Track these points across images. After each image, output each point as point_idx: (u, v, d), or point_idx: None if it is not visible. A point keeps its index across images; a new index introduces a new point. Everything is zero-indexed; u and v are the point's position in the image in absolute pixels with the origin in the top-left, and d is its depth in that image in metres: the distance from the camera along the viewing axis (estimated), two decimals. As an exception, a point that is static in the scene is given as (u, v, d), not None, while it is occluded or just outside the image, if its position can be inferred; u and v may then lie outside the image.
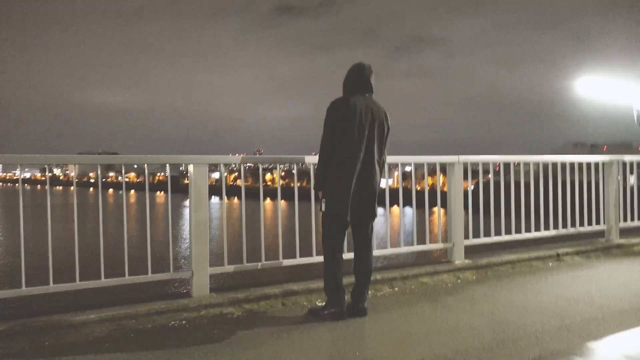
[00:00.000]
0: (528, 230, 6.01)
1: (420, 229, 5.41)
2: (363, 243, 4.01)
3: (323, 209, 3.87)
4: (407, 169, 5.56)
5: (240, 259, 4.44)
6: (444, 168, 5.42)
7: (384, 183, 4.73)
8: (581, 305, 4.14)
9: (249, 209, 4.74)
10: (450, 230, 5.43)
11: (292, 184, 4.74)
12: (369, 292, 4.34)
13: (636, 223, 6.93)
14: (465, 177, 5.55)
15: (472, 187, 5.71)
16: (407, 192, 5.38)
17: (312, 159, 4.47)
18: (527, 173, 6.15)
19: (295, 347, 3.32)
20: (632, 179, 6.94)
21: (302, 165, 4.79)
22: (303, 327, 3.68)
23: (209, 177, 4.47)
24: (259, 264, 4.46)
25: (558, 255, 5.94)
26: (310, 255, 4.65)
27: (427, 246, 5.43)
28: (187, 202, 4.30)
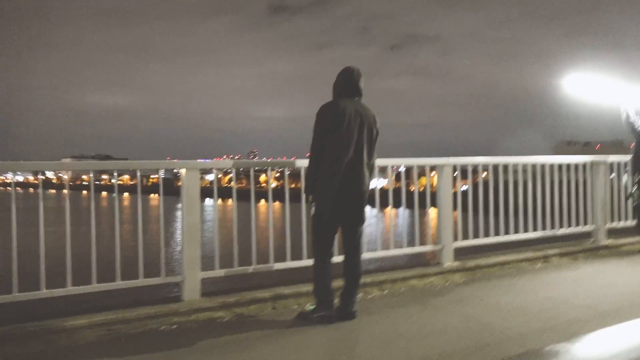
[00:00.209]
0: (517, 231, 6.08)
1: (411, 230, 5.48)
2: (352, 247, 4.06)
3: (313, 212, 3.92)
4: (401, 169, 5.61)
5: (231, 263, 4.48)
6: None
7: (377, 184, 4.80)
8: (566, 307, 4.21)
9: (243, 211, 4.77)
10: (439, 232, 5.49)
11: (285, 181, 4.79)
12: (359, 295, 4.39)
13: (623, 223, 7.02)
14: (455, 180, 5.62)
15: (465, 187, 5.78)
16: (400, 192, 5.44)
17: (302, 163, 4.52)
18: (515, 173, 6.22)
19: (284, 351, 3.36)
20: (624, 178, 7.01)
21: (291, 170, 4.84)
22: (293, 330, 3.72)
23: (203, 179, 4.51)
24: (250, 267, 4.51)
25: (546, 256, 6.01)
26: (301, 258, 4.70)
27: (417, 248, 5.50)
28: (180, 205, 4.34)
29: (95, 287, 3.94)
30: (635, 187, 6.51)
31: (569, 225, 6.53)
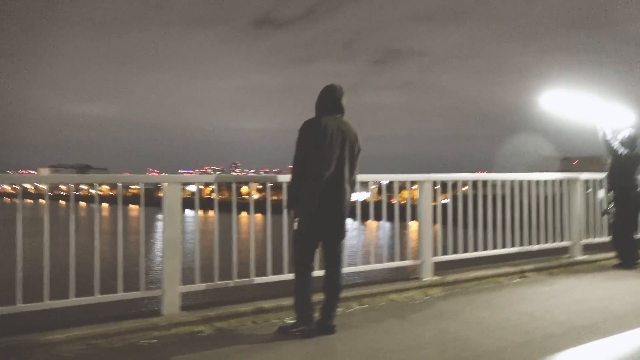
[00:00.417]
0: (495, 246, 6.18)
1: (392, 244, 5.53)
2: (333, 261, 4.10)
3: (295, 227, 3.96)
4: (383, 181, 5.68)
5: (212, 276, 4.48)
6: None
7: (358, 196, 4.86)
8: (542, 322, 4.29)
9: (225, 223, 4.76)
10: (419, 247, 5.56)
11: (269, 196, 4.80)
12: (339, 309, 4.43)
13: (599, 239, 7.17)
14: (435, 198, 5.70)
15: (446, 200, 5.87)
16: (382, 205, 5.49)
17: (284, 178, 4.55)
18: (494, 187, 6.33)
19: (264, 366, 3.37)
20: (600, 193, 7.17)
21: (273, 183, 4.87)
22: (273, 345, 3.74)
23: (185, 189, 4.53)
24: (231, 281, 4.51)
25: (522, 271, 6.12)
26: (282, 272, 4.72)
27: (397, 263, 5.55)
28: (161, 216, 4.34)
29: (73, 301, 3.90)
30: (612, 205, 6.67)
31: (546, 241, 6.65)
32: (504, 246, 6.24)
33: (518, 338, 3.86)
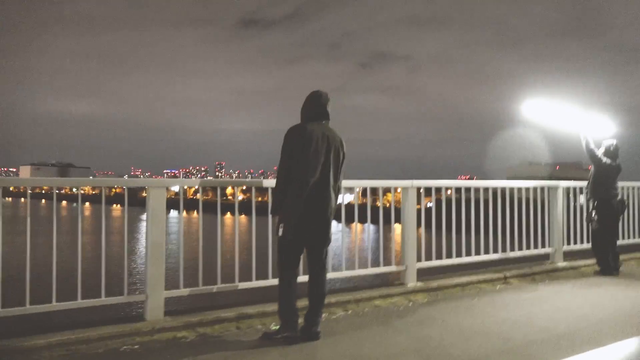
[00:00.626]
0: (478, 252, 6.23)
1: (376, 249, 5.55)
2: (317, 267, 4.10)
3: (279, 233, 3.95)
4: (367, 184, 5.70)
5: (196, 281, 4.45)
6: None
7: (343, 199, 4.87)
8: (524, 328, 4.34)
9: (209, 223, 4.73)
10: (403, 253, 5.59)
11: (258, 199, 4.79)
12: (324, 315, 4.43)
13: (579, 246, 7.27)
14: (419, 202, 5.74)
15: (430, 204, 5.91)
16: (366, 208, 5.50)
17: (269, 183, 4.55)
18: (477, 192, 6.38)
19: (247, 372, 3.36)
20: (581, 198, 7.29)
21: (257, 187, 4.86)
22: (256, 351, 3.73)
23: (169, 190, 4.50)
24: (215, 287, 4.49)
25: (505, 277, 6.18)
26: (267, 277, 4.71)
27: (382, 269, 5.57)
28: (144, 216, 4.30)
29: (54, 306, 3.85)
30: (594, 212, 6.78)
31: (528, 248, 6.73)
32: (487, 252, 6.30)
33: (500, 345, 3.90)
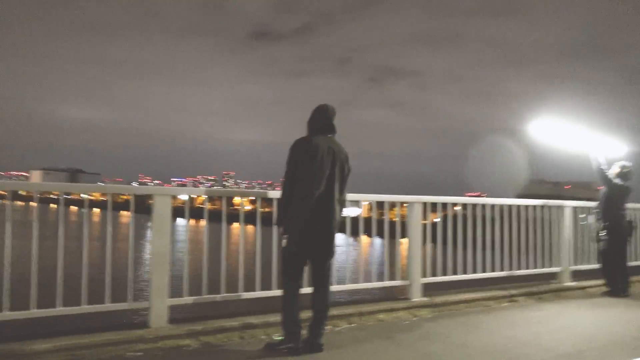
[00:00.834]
0: (484, 269, 6.19)
1: (382, 263, 5.55)
2: (321, 280, 4.10)
3: (283, 244, 3.96)
4: (384, 199, 5.69)
5: (200, 289, 4.46)
6: None
7: (351, 213, 4.89)
8: (528, 347, 4.30)
9: (216, 233, 4.74)
10: (408, 268, 5.57)
11: (265, 209, 4.80)
12: (327, 327, 4.42)
13: (587, 266, 7.21)
14: (425, 215, 5.74)
15: (437, 219, 5.90)
16: (373, 221, 5.49)
17: (275, 194, 4.57)
18: (484, 208, 6.36)
19: (249, 383, 3.36)
20: (590, 220, 7.24)
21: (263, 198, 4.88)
22: (258, 361, 3.72)
23: (177, 198, 4.54)
24: (219, 296, 4.50)
25: (512, 295, 6.14)
26: (270, 288, 4.71)
27: (386, 283, 5.56)
28: (150, 225, 4.33)
29: (60, 310, 3.87)
30: (604, 233, 6.73)
31: (535, 266, 6.69)
32: (493, 269, 6.26)
33: (504, 363, 3.86)
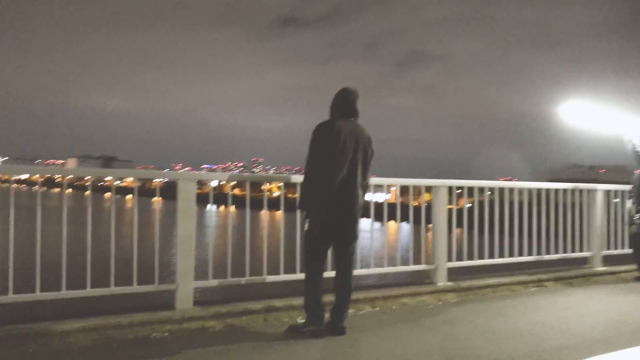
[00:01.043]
0: (512, 254, 6.10)
1: (407, 248, 5.53)
2: (344, 263, 4.11)
3: (306, 228, 3.98)
4: (408, 184, 5.64)
5: (225, 273, 4.53)
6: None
7: (380, 198, 4.88)
8: (556, 332, 4.23)
9: (245, 218, 4.80)
10: (433, 252, 5.53)
11: (289, 195, 4.83)
12: (350, 310, 4.44)
13: (619, 250, 7.03)
14: (451, 200, 5.67)
15: (469, 205, 5.84)
16: (402, 207, 5.47)
17: (298, 179, 4.58)
18: (511, 193, 6.25)
19: (271, 364, 3.40)
20: (627, 204, 7.04)
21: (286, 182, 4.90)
22: (281, 343, 3.77)
23: (208, 185, 4.60)
24: (243, 279, 4.55)
25: (540, 280, 6.04)
26: (294, 271, 4.74)
27: (411, 267, 5.54)
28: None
29: (89, 292, 3.99)
30: (638, 216, 6.54)
31: (565, 251, 6.55)
32: (520, 254, 6.16)
33: (528, 348, 3.81)
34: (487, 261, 5.91)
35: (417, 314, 4.67)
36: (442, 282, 5.47)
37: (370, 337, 4.00)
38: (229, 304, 4.36)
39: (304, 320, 4.04)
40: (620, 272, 6.76)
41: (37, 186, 4.19)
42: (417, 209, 5.52)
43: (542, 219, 6.39)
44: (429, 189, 5.63)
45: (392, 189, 5.68)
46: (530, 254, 6.25)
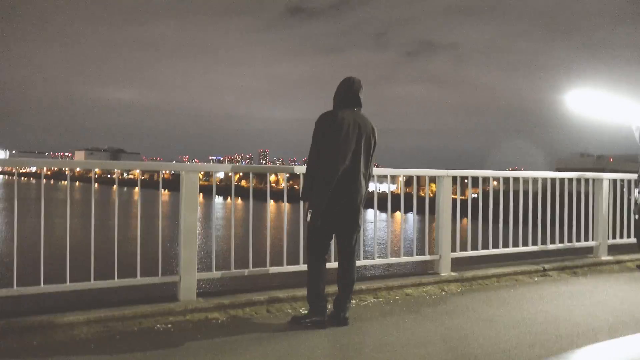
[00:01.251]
0: (516, 244, 6.08)
1: (411, 238, 5.51)
2: (347, 254, 4.12)
3: (308, 219, 3.98)
4: (412, 174, 5.62)
5: (228, 264, 4.55)
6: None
7: (386, 189, 4.87)
8: (559, 322, 4.23)
9: (254, 209, 4.81)
10: (437, 242, 5.52)
11: (296, 186, 4.84)
12: (354, 301, 4.45)
13: (625, 240, 6.99)
14: (455, 190, 5.65)
15: (475, 195, 5.81)
16: (407, 197, 5.44)
17: (301, 170, 4.58)
18: (516, 182, 6.21)
19: (276, 354, 3.42)
20: (636, 192, 6.98)
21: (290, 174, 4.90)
22: (284, 334, 3.79)
23: (215, 177, 4.61)
24: (246, 270, 4.57)
25: (544, 270, 6.02)
26: (298, 263, 4.75)
27: (414, 258, 5.53)
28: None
29: (93, 284, 4.01)
30: None
31: (570, 240, 6.52)
32: (525, 244, 6.13)
33: (531, 338, 3.81)
34: (491, 251, 5.89)
35: (420, 304, 4.68)
36: (446, 272, 5.47)
37: (373, 327, 4.01)
38: (232, 295, 4.37)
39: (307, 311, 4.05)
40: (625, 261, 6.73)
41: (46, 179, 4.21)
42: (423, 200, 5.50)
43: (547, 208, 6.35)
44: (434, 179, 5.61)
45: (400, 179, 5.65)
46: (535, 243, 6.22)
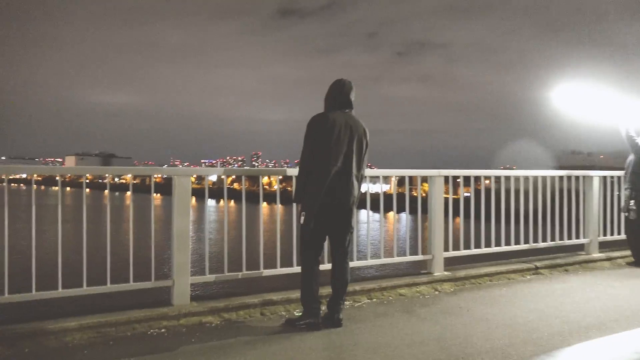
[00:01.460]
0: (508, 242, 6.10)
1: (404, 238, 5.51)
2: (340, 255, 4.12)
3: (301, 221, 3.99)
4: (404, 174, 5.62)
5: (221, 268, 4.53)
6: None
7: (379, 189, 4.87)
8: (551, 319, 4.25)
9: (247, 212, 4.80)
10: (430, 242, 5.54)
11: (289, 188, 4.84)
12: (347, 302, 4.46)
13: (615, 237, 7.05)
14: (448, 190, 5.67)
15: (467, 194, 5.83)
16: (399, 197, 5.46)
17: (293, 172, 4.58)
18: (508, 181, 6.24)
19: (270, 357, 3.42)
20: (623, 189, 7.04)
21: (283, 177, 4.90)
22: (279, 337, 3.79)
23: (207, 179, 4.61)
24: (240, 273, 4.56)
25: (536, 268, 6.06)
26: (291, 265, 4.75)
27: (408, 258, 5.54)
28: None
29: (86, 290, 3.99)
30: (632, 202, 6.55)
31: (561, 238, 6.57)
32: (517, 243, 6.16)
33: (525, 336, 3.84)
34: (484, 250, 5.92)
35: (414, 304, 4.69)
36: (439, 272, 5.49)
37: (367, 328, 4.02)
38: (226, 298, 4.37)
39: (300, 314, 4.06)
40: (616, 257, 6.79)
41: (37, 185, 4.18)
42: (415, 200, 5.52)
43: (539, 206, 6.39)
44: (426, 179, 5.63)
45: (392, 179, 5.67)
46: (527, 242, 6.25)
